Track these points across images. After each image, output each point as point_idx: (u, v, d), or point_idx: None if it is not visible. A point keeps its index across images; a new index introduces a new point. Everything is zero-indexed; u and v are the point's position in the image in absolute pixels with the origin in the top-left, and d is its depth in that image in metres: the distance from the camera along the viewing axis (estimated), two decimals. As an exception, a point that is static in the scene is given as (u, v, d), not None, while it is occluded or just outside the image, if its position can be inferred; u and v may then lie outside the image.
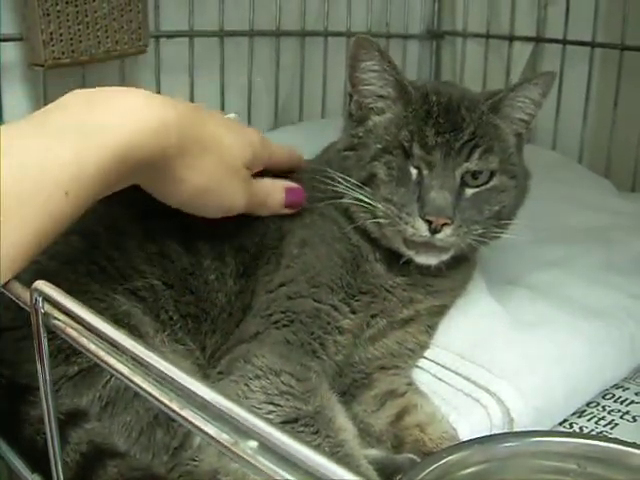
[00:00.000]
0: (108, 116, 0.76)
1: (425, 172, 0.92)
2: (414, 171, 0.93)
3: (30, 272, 0.69)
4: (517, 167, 0.98)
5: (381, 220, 0.94)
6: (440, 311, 1.04)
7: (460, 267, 1.02)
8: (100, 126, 0.74)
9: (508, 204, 0.96)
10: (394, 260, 0.98)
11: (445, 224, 0.89)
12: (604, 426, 0.96)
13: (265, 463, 0.41)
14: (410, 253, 0.94)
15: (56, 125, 0.73)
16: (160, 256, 0.94)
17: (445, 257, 0.94)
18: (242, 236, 0.98)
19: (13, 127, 0.72)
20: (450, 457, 0.68)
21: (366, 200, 0.94)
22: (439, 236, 0.90)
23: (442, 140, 0.92)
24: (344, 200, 0.97)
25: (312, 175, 1.02)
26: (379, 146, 0.95)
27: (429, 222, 0.89)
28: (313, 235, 0.98)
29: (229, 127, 0.92)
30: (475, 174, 0.93)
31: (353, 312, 0.95)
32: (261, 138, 0.97)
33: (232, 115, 1.04)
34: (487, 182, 0.94)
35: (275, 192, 0.98)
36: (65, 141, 0.71)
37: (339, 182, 0.96)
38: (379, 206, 0.94)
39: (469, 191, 0.93)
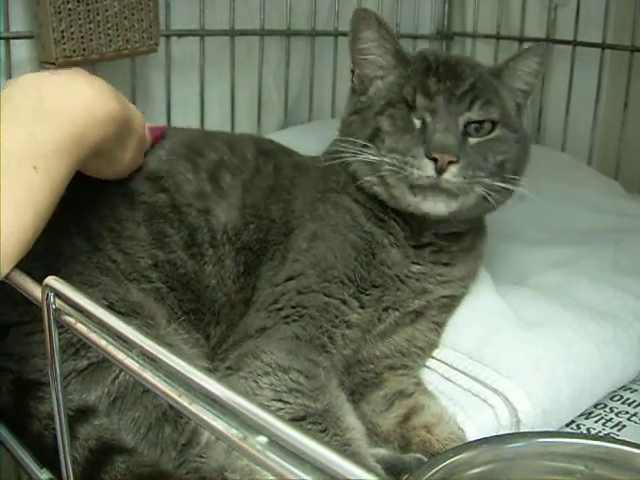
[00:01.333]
0: (61, 104, 0.81)
1: (429, 120, 0.94)
2: (418, 122, 0.95)
3: (39, 268, 0.69)
4: (518, 125, 1.01)
5: (385, 173, 0.95)
6: (448, 305, 1.04)
7: (469, 254, 1.04)
8: (54, 112, 0.79)
9: (511, 157, 0.97)
10: (409, 244, 0.99)
11: (451, 162, 0.90)
12: (611, 428, 0.96)
13: (274, 459, 0.41)
14: (417, 200, 0.94)
15: (11, 110, 0.77)
16: (166, 263, 0.95)
17: (455, 205, 0.93)
18: (244, 235, 0.99)
19: None
20: (457, 457, 0.68)
21: (371, 158, 0.96)
22: (445, 176, 0.90)
23: (444, 87, 0.95)
24: (350, 160, 0.99)
25: (319, 165, 1.04)
26: (383, 102, 0.98)
27: (435, 161, 0.90)
28: (325, 226, 0.98)
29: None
30: (477, 126, 0.95)
31: (362, 307, 0.95)
32: None
33: None
34: (489, 133, 0.96)
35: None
36: (21, 124, 0.76)
37: (344, 148, 0.97)
38: (384, 159, 0.95)
39: (472, 140, 0.95)
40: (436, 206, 0.93)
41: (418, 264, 0.99)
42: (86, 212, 0.93)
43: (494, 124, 0.96)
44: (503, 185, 0.95)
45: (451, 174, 0.90)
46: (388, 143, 0.95)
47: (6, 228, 0.69)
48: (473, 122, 0.95)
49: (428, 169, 0.90)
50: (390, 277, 0.97)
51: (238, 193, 1.01)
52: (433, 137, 0.91)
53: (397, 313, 0.98)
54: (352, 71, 1.04)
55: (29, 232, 0.72)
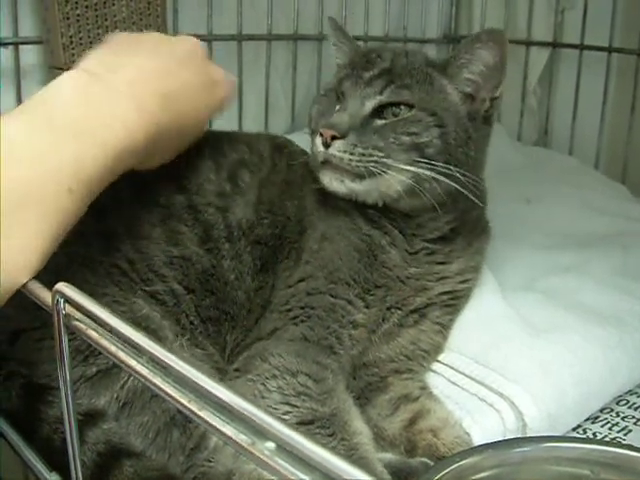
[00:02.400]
0: (105, 119, 0.79)
1: (340, 101, 1.00)
2: (337, 106, 1.00)
3: (49, 273, 0.70)
4: (448, 113, 0.98)
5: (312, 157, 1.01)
6: (451, 305, 1.04)
7: (464, 251, 1.05)
8: (98, 127, 0.78)
9: (428, 142, 0.95)
10: (405, 245, 1.00)
11: (335, 138, 0.93)
12: (618, 432, 0.96)
13: (282, 464, 0.42)
14: (319, 175, 0.98)
15: (57, 122, 0.75)
16: (181, 259, 0.95)
17: (353, 184, 0.96)
18: (258, 229, 1.00)
19: (16, 120, 0.74)
20: (463, 461, 0.69)
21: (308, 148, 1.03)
22: (330, 150, 0.94)
23: (352, 72, 1.01)
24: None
25: None
26: (321, 92, 1.07)
27: (321, 134, 0.94)
28: (331, 228, 1.00)
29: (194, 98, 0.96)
30: (395, 110, 0.97)
31: (367, 306, 0.96)
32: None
33: None
34: (398, 115, 0.97)
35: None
36: (66, 140, 0.74)
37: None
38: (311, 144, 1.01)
39: (380, 122, 0.96)
40: (331, 183, 0.97)
41: (415, 267, 1.00)
42: (103, 212, 0.93)
43: (411, 107, 0.97)
44: (413, 169, 0.94)
45: (334, 148, 0.94)
46: (312, 126, 1.03)
47: (26, 250, 0.69)
48: (389, 105, 0.97)
49: (318, 144, 0.95)
50: (391, 278, 0.98)
51: (255, 190, 1.03)
52: (330, 118, 0.97)
53: (400, 312, 0.99)
54: None
55: (53, 245, 0.72)
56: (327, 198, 1.01)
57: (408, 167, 0.94)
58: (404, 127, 0.95)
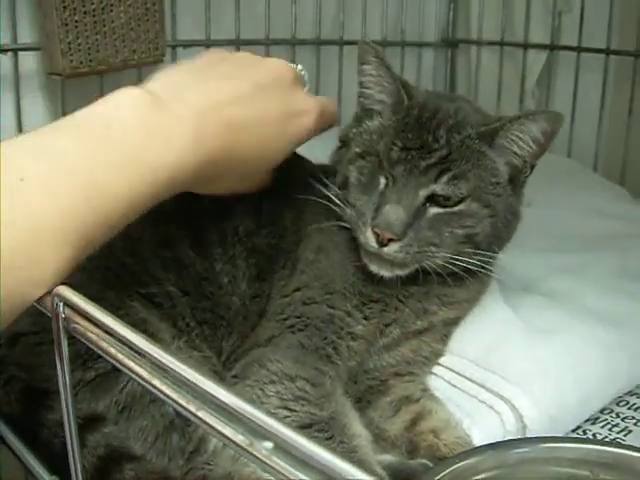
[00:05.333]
0: (161, 150, 0.76)
1: (390, 184, 0.92)
2: (383, 181, 0.93)
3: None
4: (499, 198, 0.94)
5: (348, 225, 0.96)
6: (455, 322, 1.04)
7: (474, 279, 0.99)
8: (153, 158, 0.75)
9: (480, 232, 0.93)
10: None
11: (391, 240, 0.89)
12: (618, 433, 0.96)
13: (280, 464, 0.42)
14: (365, 260, 0.94)
15: (113, 145, 0.72)
16: (174, 262, 0.95)
17: (400, 272, 0.93)
18: (255, 238, 0.99)
19: (69, 134, 0.71)
20: (462, 463, 0.68)
21: (338, 202, 0.96)
22: (386, 250, 0.89)
23: (406, 156, 0.91)
24: (329, 198, 0.97)
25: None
26: (357, 150, 0.97)
27: (377, 234, 0.89)
28: (328, 241, 0.99)
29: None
30: (444, 197, 0.91)
31: (366, 318, 0.95)
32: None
33: (299, 67, 1.03)
34: (453, 206, 0.92)
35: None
36: (123, 175, 0.72)
37: (327, 184, 0.98)
38: (347, 210, 0.95)
39: (432, 211, 0.91)
40: (380, 270, 0.93)
41: (417, 285, 0.96)
42: None
43: (463, 197, 0.92)
44: (460, 259, 0.92)
45: (391, 250, 0.89)
46: (351, 197, 0.95)
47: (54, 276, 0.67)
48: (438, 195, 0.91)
49: (371, 240, 0.90)
50: (386, 294, 0.96)
51: (255, 200, 1.02)
52: (382, 209, 0.90)
53: (398, 331, 0.97)
54: (359, 95, 1.02)
55: (73, 263, 0.70)
56: (328, 214, 1.00)
57: (455, 256, 0.92)
58: (459, 221, 0.91)
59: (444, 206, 0.91)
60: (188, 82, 0.84)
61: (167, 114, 0.78)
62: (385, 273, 0.93)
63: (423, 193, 0.90)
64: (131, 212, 0.74)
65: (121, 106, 0.76)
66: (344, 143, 1.02)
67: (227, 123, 0.83)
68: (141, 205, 0.75)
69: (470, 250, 0.93)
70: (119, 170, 0.71)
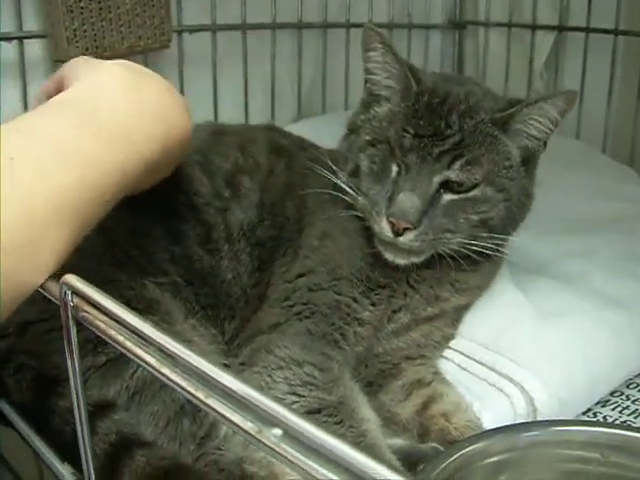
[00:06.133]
0: (145, 131, 0.78)
1: (402, 172, 0.91)
2: (395, 169, 0.93)
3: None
4: (513, 182, 0.94)
5: (359, 214, 0.96)
6: (466, 307, 1.04)
7: (488, 262, 0.99)
8: (141, 140, 0.77)
9: (494, 216, 0.93)
10: None
11: (407, 229, 0.89)
12: (628, 415, 0.96)
13: (289, 450, 0.42)
14: (380, 249, 0.94)
15: (107, 128, 0.74)
16: (183, 257, 0.96)
17: (416, 259, 0.93)
18: (258, 231, 1.00)
19: (62, 119, 0.72)
20: (472, 446, 0.69)
21: (349, 191, 0.96)
22: (401, 239, 0.89)
23: (419, 144, 0.90)
24: (340, 191, 0.97)
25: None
26: (367, 138, 0.96)
27: (392, 223, 0.89)
28: (334, 227, 0.99)
29: None
30: (458, 183, 0.91)
31: (373, 304, 0.96)
32: None
33: None
34: (467, 191, 0.91)
35: None
36: (114, 149, 0.73)
37: (335, 174, 0.97)
38: (359, 199, 0.95)
39: (446, 197, 0.91)
40: (396, 258, 0.93)
41: (428, 268, 0.96)
42: None
43: (477, 183, 0.91)
44: (475, 243, 0.93)
45: (407, 239, 0.89)
46: (363, 186, 0.95)
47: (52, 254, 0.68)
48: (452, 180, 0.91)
49: (386, 230, 0.90)
50: (395, 279, 0.96)
51: (257, 193, 1.02)
52: (396, 198, 0.89)
53: (408, 317, 0.98)
54: (365, 80, 1.02)
55: (71, 247, 0.70)
56: (335, 202, 0.99)
57: (470, 241, 0.92)
58: (474, 206, 0.91)
59: (458, 192, 0.91)
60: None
61: (139, 99, 0.81)
62: (401, 261, 0.93)
63: (437, 180, 0.90)
64: (123, 187, 0.75)
65: (108, 87, 0.79)
66: (352, 130, 1.01)
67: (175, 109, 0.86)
68: (132, 180, 0.76)
69: (485, 234, 0.93)
70: (112, 152, 0.73)
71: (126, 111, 0.77)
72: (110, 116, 0.75)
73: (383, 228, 0.90)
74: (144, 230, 0.95)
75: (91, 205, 0.70)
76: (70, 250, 0.69)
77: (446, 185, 0.91)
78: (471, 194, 0.91)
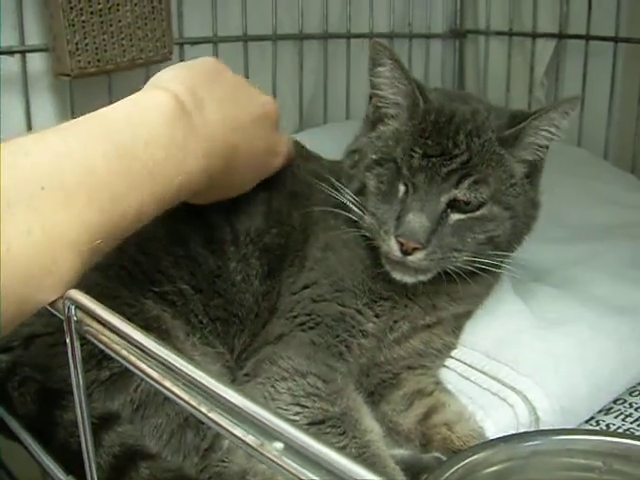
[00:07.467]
0: (179, 164, 0.78)
1: (410, 192, 0.91)
2: (402, 188, 0.92)
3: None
4: (518, 198, 0.94)
5: (367, 233, 0.95)
6: (466, 315, 1.04)
7: (489, 274, 0.98)
8: (173, 172, 0.77)
9: (501, 234, 0.93)
10: None
11: (416, 248, 0.88)
12: (631, 423, 0.96)
13: (291, 464, 0.42)
14: (388, 268, 0.94)
15: (139, 162, 0.73)
16: (187, 259, 0.96)
17: (423, 277, 0.93)
18: (266, 237, 1.00)
19: (96, 146, 0.71)
20: (475, 456, 0.69)
21: (355, 209, 0.95)
22: (410, 258, 0.89)
23: (427, 164, 0.90)
24: (343, 208, 0.97)
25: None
26: (374, 157, 0.96)
27: (401, 243, 0.89)
28: (336, 239, 0.99)
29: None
30: (464, 202, 0.91)
31: (377, 316, 0.96)
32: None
33: None
34: (474, 210, 0.91)
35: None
36: (138, 189, 0.73)
37: (338, 191, 0.97)
38: (365, 218, 0.95)
39: (454, 217, 0.91)
40: (404, 277, 0.93)
41: (427, 282, 0.96)
42: None
43: (483, 202, 0.91)
44: (495, 260, 0.93)
45: (416, 258, 0.89)
46: (370, 205, 0.94)
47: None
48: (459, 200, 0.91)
49: (394, 249, 0.90)
50: (396, 292, 0.96)
51: (265, 201, 1.02)
52: (405, 218, 0.89)
53: (407, 326, 0.98)
54: (370, 97, 1.01)
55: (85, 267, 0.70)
56: (336, 214, 0.99)
57: (475, 258, 0.92)
58: (481, 225, 0.91)
59: (465, 211, 0.91)
60: (204, 95, 0.85)
61: (190, 127, 0.80)
62: (409, 280, 0.93)
63: (444, 199, 0.90)
64: (136, 225, 0.75)
65: (151, 113, 0.77)
66: (357, 150, 1.01)
67: (229, 147, 0.86)
68: (146, 218, 0.76)
69: (490, 252, 0.93)
70: (136, 184, 0.72)
71: (166, 146, 0.76)
72: (146, 152, 0.74)
73: (392, 248, 0.90)
74: (148, 233, 0.95)
75: (104, 240, 0.70)
76: (80, 277, 0.69)
77: (453, 204, 0.91)
78: (478, 213, 0.91)
